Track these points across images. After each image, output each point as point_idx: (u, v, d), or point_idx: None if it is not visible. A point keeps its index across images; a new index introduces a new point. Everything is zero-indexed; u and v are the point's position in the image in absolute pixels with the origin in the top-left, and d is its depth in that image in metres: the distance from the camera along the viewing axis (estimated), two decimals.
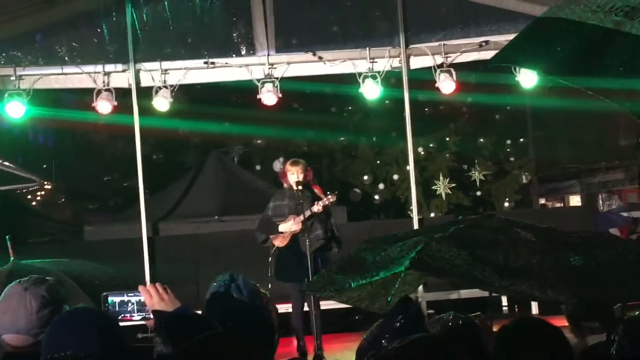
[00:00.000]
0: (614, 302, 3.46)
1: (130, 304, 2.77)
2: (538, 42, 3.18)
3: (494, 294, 9.78)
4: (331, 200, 8.32)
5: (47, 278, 3.13)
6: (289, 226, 8.34)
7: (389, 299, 3.75)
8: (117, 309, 2.78)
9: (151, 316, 2.71)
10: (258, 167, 16.63)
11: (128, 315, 2.78)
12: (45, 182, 18.49)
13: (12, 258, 3.98)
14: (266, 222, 8.61)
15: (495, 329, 3.74)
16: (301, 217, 8.18)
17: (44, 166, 18.96)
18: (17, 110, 10.47)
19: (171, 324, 2.60)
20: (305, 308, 8.51)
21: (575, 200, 27.16)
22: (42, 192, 19.00)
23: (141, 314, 2.77)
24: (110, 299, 2.81)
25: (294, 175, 8.34)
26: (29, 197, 18.81)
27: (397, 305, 2.87)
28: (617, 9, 2.83)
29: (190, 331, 2.46)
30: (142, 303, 2.77)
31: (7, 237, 4.31)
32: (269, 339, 2.96)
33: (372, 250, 3.82)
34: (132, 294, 2.78)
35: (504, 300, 10.88)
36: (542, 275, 3.26)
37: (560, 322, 3.81)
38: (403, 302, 2.85)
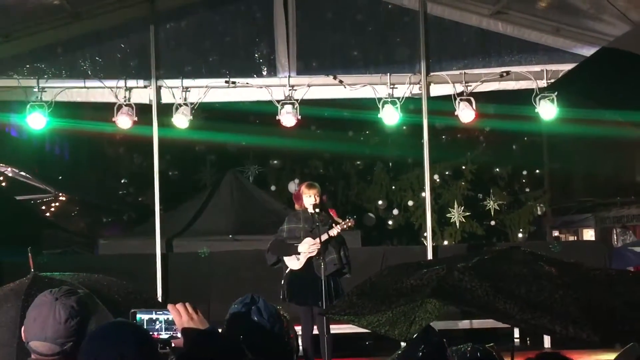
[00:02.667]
0: (637, 340, 3.42)
1: (158, 322, 2.77)
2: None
3: (505, 326, 9.75)
4: (350, 224, 8.31)
5: (79, 290, 3.17)
6: (307, 247, 8.30)
7: (410, 327, 3.73)
8: (145, 326, 2.78)
9: (179, 335, 2.71)
10: (273, 188, 16.64)
11: (156, 333, 2.78)
12: (60, 194, 18.57)
13: (32, 270, 3.99)
14: (280, 244, 8.57)
15: None
16: (318, 240, 8.15)
17: (60, 178, 19.07)
18: (38, 122, 10.55)
19: (200, 343, 2.59)
20: (315, 331, 8.48)
21: (589, 234, 26.99)
22: (57, 204, 19.08)
23: (169, 332, 2.77)
24: (138, 316, 2.81)
25: (310, 198, 8.33)
26: (43, 207, 18.89)
27: (419, 335, 2.85)
28: None
29: (219, 352, 2.46)
30: (170, 321, 2.77)
31: (28, 249, 4.33)
32: None
33: (395, 276, 3.80)
34: (161, 312, 2.78)
35: (516, 332, 10.80)
36: (565, 311, 3.22)
37: (576, 356, 3.77)
38: (425, 331, 2.83)
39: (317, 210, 8.21)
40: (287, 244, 8.47)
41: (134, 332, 2.60)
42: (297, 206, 8.69)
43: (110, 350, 2.48)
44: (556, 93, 10.64)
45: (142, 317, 2.82)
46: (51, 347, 2.97)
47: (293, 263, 8.40)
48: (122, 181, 18.64)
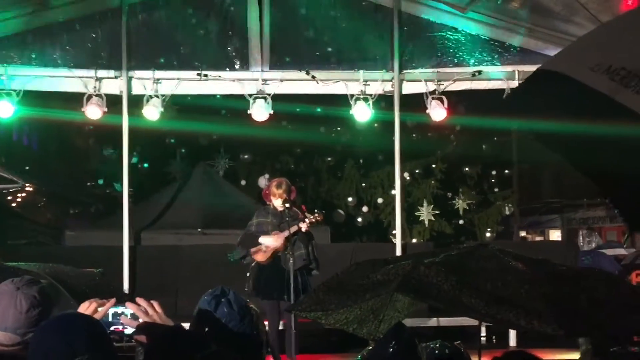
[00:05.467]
0: (600, 335, 3.45)
1: (124, 316, 2.73)
2: (534, 94, 3.16)
3: (472, 324, 9.80)
4: (318, 218, 8.31)
5: (41, 280, 3.13)
6: (272, 240, 8.29)
7: (379, 325, 3.72)
8: (109, 320, 2.74)
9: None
10: (243, 182, 16.58)
11: (120, 327, 2.74)
12: (27, 184, 18.34)
13: None
14: (248, 237, 8.55)
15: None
16: (285, 233, 8.15)
17: (27, 168, 18.84)
18: (6, 110, 10.40)
19: (167, 340, 2.55)
20: (280, 327, 8.47)
21: (555, 235, 27.29)
22: (23, 194, 18.86)
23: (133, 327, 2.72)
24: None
25: (277, 200, 8.32)
26: (9, 198, 18.66)
27: (390, 331, 2.84)
28: (614, 71, 2.79)
29: (185, 348, 2.44)
30: (135, 316, 2.72)
31: None
32: (257, 355, 2.92)
33: (361, 272, 3.80)
34: (123, 308, 2.73)
35: (483, 331, 10.87)
36: (530, 305, 3.24)
37: (541, 355, 3.79)
38: (396, 328, 2.82)
39: (287, 205, 8.19)
40: (253, 237, 8.45)
41: (85, 323, 2.55)
42: (267, 203, 8.68)
43: (61, 343, 2.43)
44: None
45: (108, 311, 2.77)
46: (12, 337, 2.93)
47: (259, 255, 8.37)
48: (90, 174, 18.46)
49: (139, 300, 2.71)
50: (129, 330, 2.75)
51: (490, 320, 3.31)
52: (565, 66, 2.96)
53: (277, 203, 8.32)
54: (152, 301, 2.73)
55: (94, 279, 4.32)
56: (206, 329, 2.93)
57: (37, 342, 2.51)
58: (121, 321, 2.72)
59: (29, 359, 2.50)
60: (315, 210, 8.54)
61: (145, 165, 16.41)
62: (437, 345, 3.48)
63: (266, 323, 8.23)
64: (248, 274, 8.48)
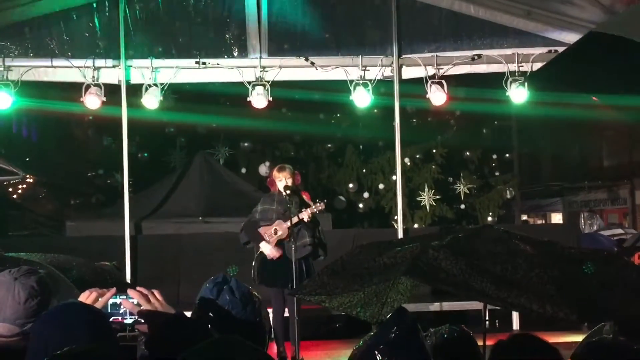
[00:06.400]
0: (612, 319, 3.42)
1: (122, 307, 2.70)
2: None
3: (474, 308, 9.80)
4: (320, 208, 8.28)
5: (40, 270, 3.10)
6: (268, 249, 8.29)
7: (382, 308, 3.70)
8: (109, 310, 2.71)
9: (142, 320, 2.63)
10: (243, 170, 16.56)
11: (120, 317, 2.71)
12: (27, 176, 18.33)
13: None
14: (252, 224, 8.54)
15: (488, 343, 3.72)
16: (288, 224, 8.12)
17: (27, 159, 18.81)
18: (4, 101, 10.36)
19: (168, 328, 2.53)
20: (285, 314, 8.46)
21: (556, 218, 27.33)
22: (24, 185, 18.85)
23: (133, 316, 2.69)
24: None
25: (282, 181, 8.31)
26: (10, 189, 18.65)
27: (392, 316, 2.81)
28: None
29: (186, 336, 2.42)
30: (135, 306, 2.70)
31: None
32: (260, 342, 2.91)
33: (367, 255, 3.76)
34: (124, 297, 2.70)
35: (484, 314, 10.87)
36: (541, 289, 3.20)
37: (545, 338, 3.77)
38: (398, 312, 2.80)
39: (289, 192, 8.17)
40: (257, 225, 8.45)
41: (86, 313, 2.53)
42: (272, 189, 8.67)
43: (61, 332, 2.41)
44: (527, 76, 10.68)
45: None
46: (10, 328, 2.91)
47: (265, 247, 8.37)
48: (90, 164, 18.44)
49: (139, 289, 2.69)
50: (129, 320, 2.72)
51: (501, 305, 3.28)
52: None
53: (281, 184, 8.29)
54: (153, 290, 2.71)
55: (95, 269, 4.30)
56: (209, 317, 2.92)
57: (37, 331, 2.49)
58: (123, 306, 2.70)
59: (29, 349, 2.48)
60: (317, 200, 8.51)
61: (145, 154, 16.37)
62: (447, 329, 3.46)
63: (270, 310, 8.29)
64: (254, 263, 8.48)
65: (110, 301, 2.72)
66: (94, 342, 2.40)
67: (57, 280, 3.34)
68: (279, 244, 8.33)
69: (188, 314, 2.86)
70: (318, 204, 8.30)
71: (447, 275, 3.29)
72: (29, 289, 2.94)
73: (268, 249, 8.31)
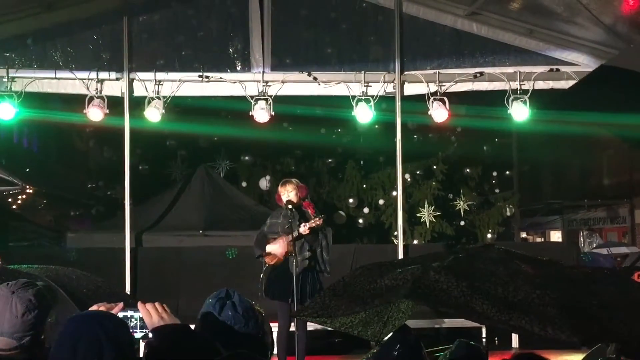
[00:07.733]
0: (615, 340, 3.41)
1: (133, 320, 2.71)
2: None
3: (474, 325, 9.76)
4: (318, 222, 8.27)
5: (37, 283, 3.09)
6: (276, 248, 8.33)
7: (383, 327, 3.69)
8: None
9: (150, 335, 2.63)
10: (244, 184, 16.55)
11: (130, 331, 2.72)
12: (28, 186, 18.32)
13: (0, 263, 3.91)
14: (261, 238, 8.61)
15: None
16: (289, 238, 8.14)
17: (27, 170, 18.83)
18: (7, 112, 10.39)
19: (174, 340, 2.54)
20: (292, 328, 8.44)
21: (556, 236, 27.30)
22: (24, 196, 18.83)
23: (143, 330, 2.70)
24: None
25: (285, 195, 8.34)
26: (10, 200, 18.64)
27: (395, 334, 2.81)
28: None
29: (192, 348, 2.42)
30: (143, 320, 2.71)
31: None
32: (263, 357, 2.91)
33: (368, 276, 3.75)
34: (133, 310, 2.71)
35: (484, 332, 10.85)
36: (543, 311, 3.19)
37: (545, 356, 3.77)
38: (401, 331, 2.80)
39: (290, 207, 8.18)
40: (265, 238, 8.49)
41: (110, 318, 2.54)
42: (279, 204, 8.70)
43: (90, 334, 2.41)
44: (529, 95, 10.72)
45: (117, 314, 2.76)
46: (8, 341, 2.89)
47: (269, 258, 8.40)
48: (91, 175, 18.42)
49: (140, 305, 2.69)
50: (138, 334, 2.73)
51: (503, 327, 3.26)
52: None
53: (284, 198, 8.33)
54: (156, 303, 2.71)
55: (95, 282, 4.29)
56: (212, 332, 2.92)
57: (67, 334, 2.46)
58: (140, 323, 2.71)
59: (54, 354, 2.45)
60: (316, 215, 8.51)
61: (146, 166, 16.36)
62: (457, 343, 3.45)
63: (276, 325, 8.27)
64: (261, 275, 8.50)
65: (121, 314, 2.72)
66: (118, 346, 2.40)
67: (55, 293, 3.33)
68: (285, 257, 8.34)
69: (190, 326, 2.86)
70: (317, 219, 8.30)
71: (449, 297, 3.28)
72: (26, 302, 2.93)
73: (276, 247, 8.33)
